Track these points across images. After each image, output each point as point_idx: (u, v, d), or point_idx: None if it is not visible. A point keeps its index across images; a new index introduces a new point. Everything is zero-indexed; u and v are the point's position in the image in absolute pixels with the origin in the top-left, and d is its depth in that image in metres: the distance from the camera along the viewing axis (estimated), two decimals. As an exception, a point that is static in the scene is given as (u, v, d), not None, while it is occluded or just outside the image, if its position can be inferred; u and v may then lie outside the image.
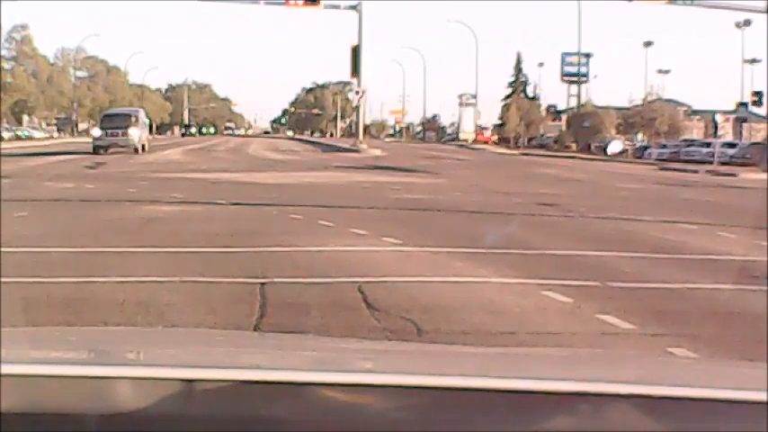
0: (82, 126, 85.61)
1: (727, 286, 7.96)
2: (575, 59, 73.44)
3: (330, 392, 1.39)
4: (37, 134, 75.84)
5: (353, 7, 47.81)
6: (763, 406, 1.32)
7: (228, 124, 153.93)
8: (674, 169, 35.93)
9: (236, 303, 6.86)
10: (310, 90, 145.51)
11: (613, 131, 59.22)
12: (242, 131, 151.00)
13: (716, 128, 67.45)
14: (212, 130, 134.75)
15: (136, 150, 41.29)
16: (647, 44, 76.25)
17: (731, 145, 46.82)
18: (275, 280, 7.86)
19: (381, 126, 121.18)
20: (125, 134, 41.76)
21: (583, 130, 61.26)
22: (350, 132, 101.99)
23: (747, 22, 60.35)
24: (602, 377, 1.64)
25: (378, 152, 47.17)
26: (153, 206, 15.13)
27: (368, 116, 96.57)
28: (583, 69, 74.32)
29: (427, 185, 22.29)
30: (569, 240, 11.12)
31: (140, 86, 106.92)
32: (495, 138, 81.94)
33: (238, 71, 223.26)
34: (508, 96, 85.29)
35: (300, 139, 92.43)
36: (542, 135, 73.78)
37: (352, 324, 6.22)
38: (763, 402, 1.33)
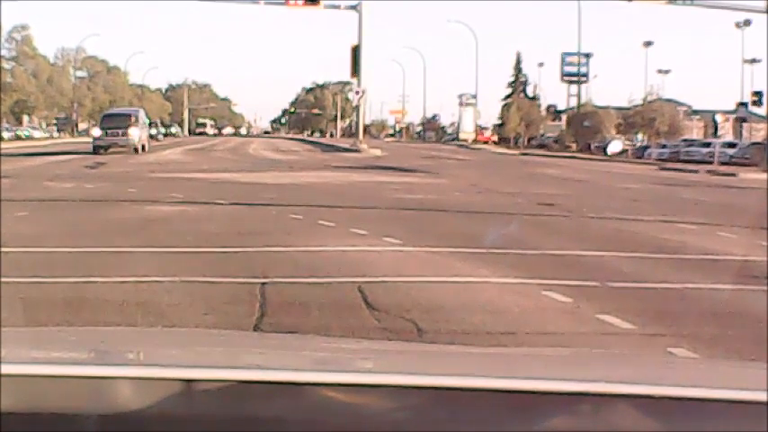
0: (82, 126, 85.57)
1: (727, 286, 7.96)
2: (575, 59, 73.43)
3: (330, 392, 1.39)
4: (37, 134, 75.91)
5: (353, 7, 47.77)
6: (763, 406, 1.32)
7: (202, 121, 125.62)
8: (674, 169, 35.92)
9: (236, 303, 6.86)
10: (310, 90, 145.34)
11: (613, 131, 59.13)
12: (230, 130, 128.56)
13: (716, 128, 67.53)
14: (173, 129, 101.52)
15: (136, 150, 41.30)
16: (647, 44, 76.32)
17: (731, 145, 46.80)
18: (275, 280, 7.86)
19: (381, 126, 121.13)
20: (125, 134, 41.77)
21: (583, 130, 61.21)
22: (350, 132, 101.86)
23: (747, 22, 60.39)
24: (602, 377, 1.64)
25: (378, 152, 47.14)
26: (153, 206, 15.13)
27: (368, 116, 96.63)
28: (583, 69, 74.32)
29: (427, 185, 22.29)
30: (569, 240, 11.12)
31: (140, 86, 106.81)
32: (495, 138, 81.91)
33: (238, 71, 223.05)
34: (508, 96, 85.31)
35: (300, 139, 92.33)
36: (542, 135, 73.72)
37: (352, 324, 6.22)
38: (763, 402, 1.33)
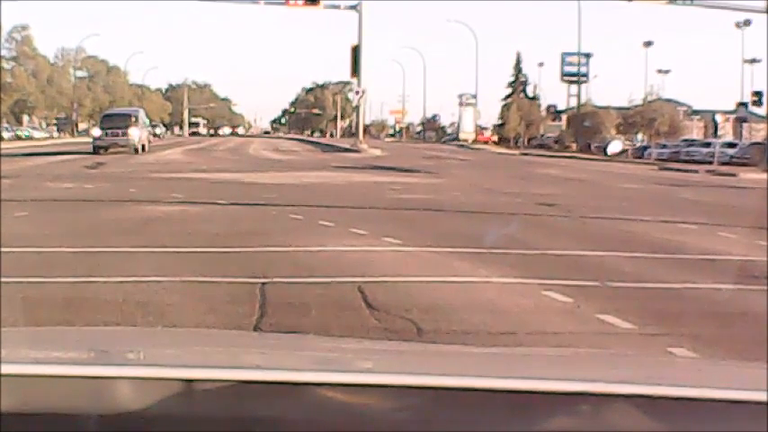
0: (82, 126, 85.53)
1: (727, 286, 7.96)
2: (575, 59, 73.40)
3: (330, 392, 1.39)
4: (37, 134, 75.90)
5: (353, 7, 47.79)
6: (763, 406, 1.32)
7: (194, 120, 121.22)
8: (674, 169, 35.91)
9: (236, 303, 6.86)
10: (310, 90, 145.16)
11: (613, 131, 59.15)
12: (227, 130, 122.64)
13: (716, 128, 67.53)
14: (158, 130, 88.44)
15: (136, 150, 41.31)
16: (647, 44, 76.27)
17: (731, 145, 46.78)
18: (275, 280, 7.86)
19: (381, 126, 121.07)
20: (125, 134, 41.78)
21: (583, 130, 61.24)
22: (350, 132, 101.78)
23: (747, 22, 60.42)
24: (602, 377, 1.64)
25: (378, 152, 47.14)
26: (153, 206, 15.12)
27: (368, 116, 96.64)
28: (583, 69, 74.27)
29: (427, 185, 22.29)
30: (569, 240, 11.12)
31: (140, 86, 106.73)
32: (495, 138, 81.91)
33: (238, 71, 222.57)
34: (508, 96, 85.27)
35: (300, 139, 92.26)
36: (542, 135, 73.74)
37: (352, 324, 6.22)
38: (763, 402, 1.33)
